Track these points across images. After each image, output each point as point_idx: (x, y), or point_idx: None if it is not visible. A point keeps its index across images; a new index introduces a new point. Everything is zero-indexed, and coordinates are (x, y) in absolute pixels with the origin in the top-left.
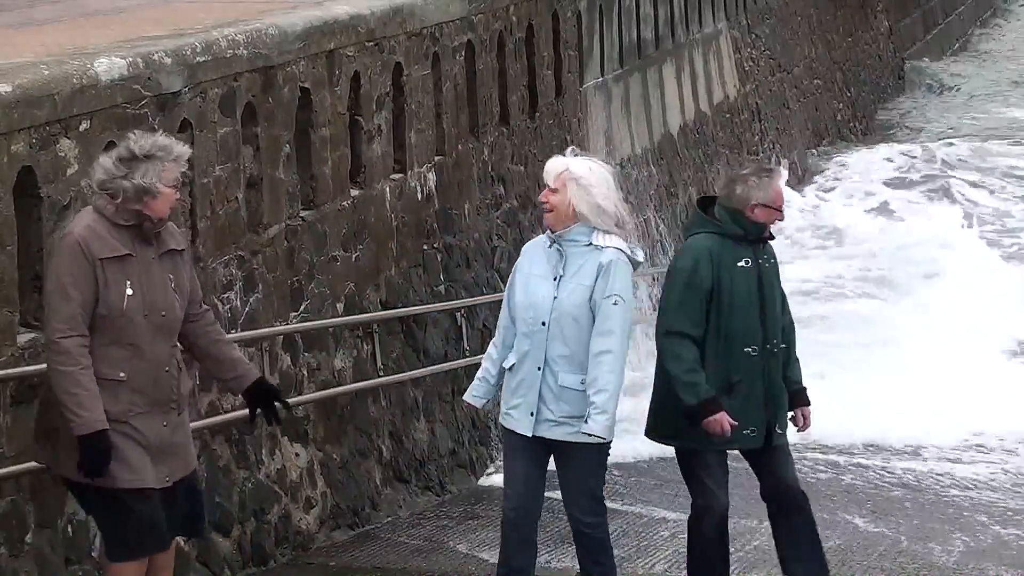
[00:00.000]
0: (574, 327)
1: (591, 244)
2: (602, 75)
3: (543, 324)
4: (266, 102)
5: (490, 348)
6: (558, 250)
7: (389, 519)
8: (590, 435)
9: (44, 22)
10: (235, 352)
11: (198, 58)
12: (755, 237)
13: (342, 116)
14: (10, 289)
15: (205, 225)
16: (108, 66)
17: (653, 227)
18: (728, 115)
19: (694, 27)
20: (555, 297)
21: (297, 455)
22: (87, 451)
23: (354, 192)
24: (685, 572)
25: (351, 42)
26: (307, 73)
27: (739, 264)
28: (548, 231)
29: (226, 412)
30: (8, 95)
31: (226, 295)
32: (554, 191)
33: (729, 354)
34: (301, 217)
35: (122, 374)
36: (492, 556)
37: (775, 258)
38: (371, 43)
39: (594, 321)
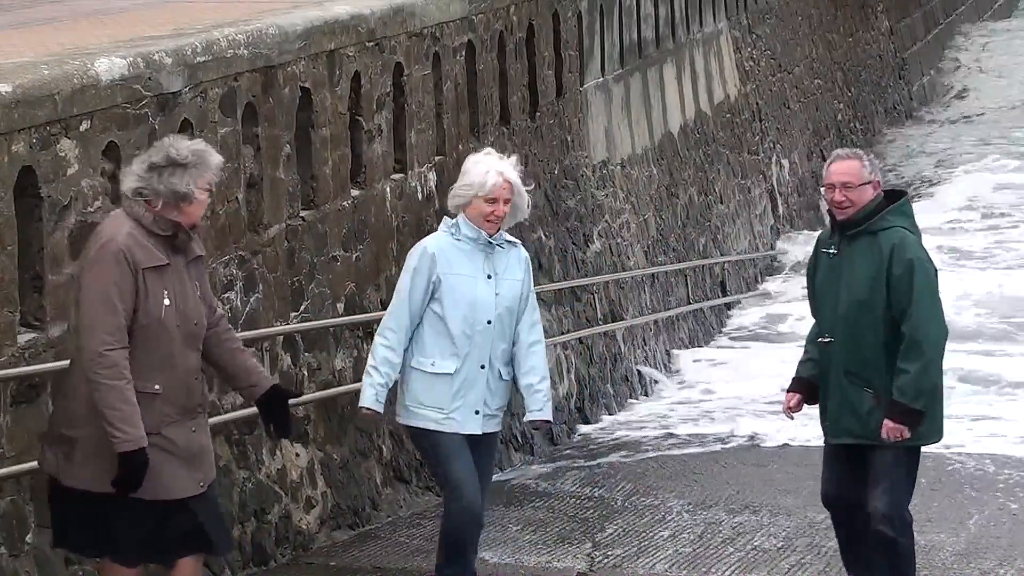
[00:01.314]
0: (511, 322)
1: (506, 241)
2: (603, 75)
3: (488, 323)
4: (266, 102)
5: (387, 352)
6: (484, 250)
7: (390, 519)
8: (544, 421)
9: (44, 22)
10: (251, 359)
11: (198, 58)
12: (838, 223)
13: (342, 116)
14: (10, 289)
15: (205, 225)
16: (108, 66)
17: (653, 227)
18: (729, 115)
19: (694, 27)
20: (497, 294)
21: (297, 455)
22: (128, 467)
23: (354, 192)
24: (685, 572)
25: (352, 42)
26: (307, 73)
27: (823, 251)
28: (479, 232)
29: (226, 412)
30: (8, 95)
31: (226, 295)
32: (509, 202)
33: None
34: (301, 217)
35: (157, 386)
36: (492, 556)
37: (883, 249)
38: (372, 43)
39: (516, 313)
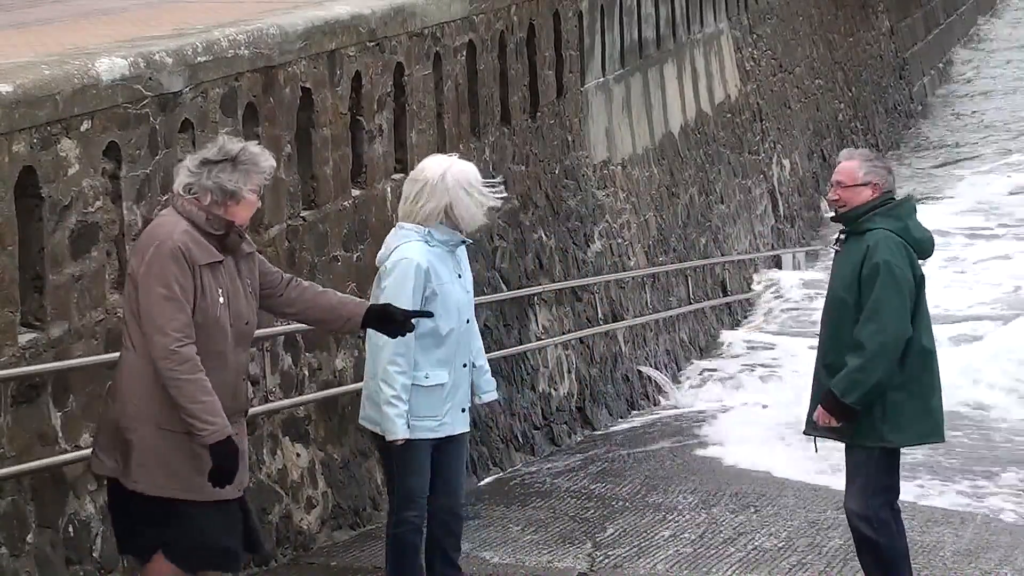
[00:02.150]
0: (473, 316)
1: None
2: (603, 75)
3: (468, 322)
4: (267, 102)
5: (404, 379)
6: (451, 251)
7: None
8: (494, 400)
9: (45, 22)
10: (336, 296)
11: (199, 58)
12: (842, 221)
13: (343, 116)
14: (11, 289)
15: None
16: (109, 66)
17: (654, 227)
18: (729, 115)
19: (695, 27)
20: (467, 292)
21: (298, 455)
22: (220, 458)
23: (355, 192)
24: (686, 572)
25: (352, 42)
26: (308, 73)
27: (833, 248)
28: (453, 233)
29: None
30: (9, 95)
31: None
32: None
33: None
34: (302, 217)
35: (209, 385)
36: (493, 555)
37: (863, 249)
38: (372, 43)
39: None
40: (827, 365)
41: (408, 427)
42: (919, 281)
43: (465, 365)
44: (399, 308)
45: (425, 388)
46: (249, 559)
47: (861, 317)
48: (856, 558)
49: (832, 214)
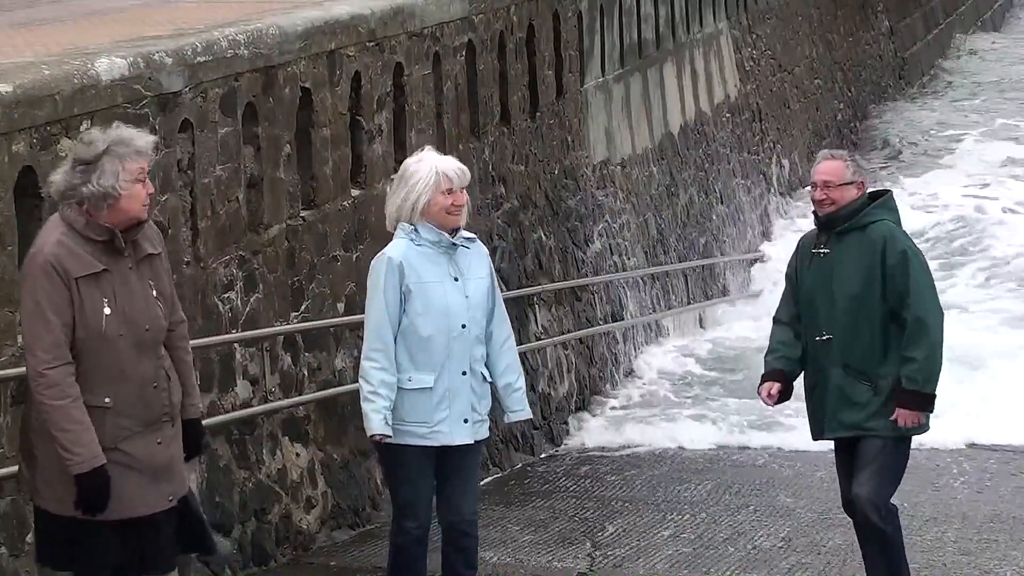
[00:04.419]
0: (483, 322)
1: (467, 239)
2: (603, 75)
3: (463, 327)
4: (267, 102)
5: (382, 375)
6: (447, 251)
7: (390, 519)
8: (524, 420)
9: (45, 22)
10: (194, 379)
11: (199, 58)
12: (823, 221)
13: (343, 116)
14: (10, 289)
15: (206, 225)
16: (109, 66)
17: (653, 227)
18: (729, 115)
19: (695, 27)
20: (467, 296)
21: (298, 455)
22: (86, 488)
23: (355, 192)
24: (686, 572)
25: (352, 42)
26: (308, 73)
27: (813, 252)
28: (441, 234)
29: (226, 412)
30: (9, 95)
31: (227, 295)
32: (464, 190)
33: (809, 343)
34: (302, 217)
35: (107, 399)
36: (493, 555)
37: (875, 243)
38: (372, 43)
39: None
40: (848, 367)
41: (386, 423)
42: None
43: (465, 373)
44: (201, 438)
45: (409, 391)
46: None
47: (905, 307)
48: (854, 556)
49: (818, 217)
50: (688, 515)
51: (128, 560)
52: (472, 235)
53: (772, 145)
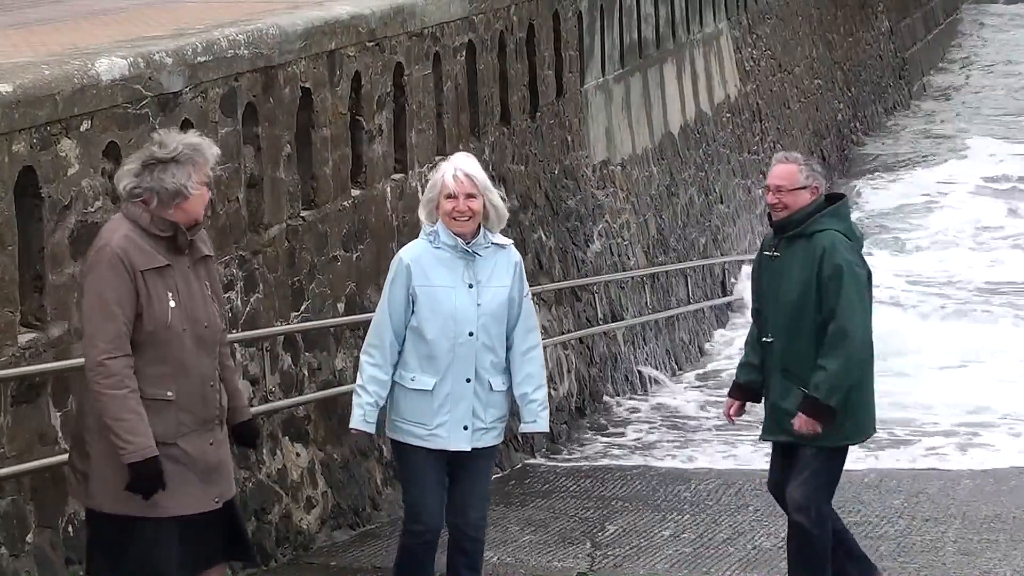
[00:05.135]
0: (497, 331)
1: (492, 244)
2: (603, 75)
3: (471, 334)
4: (267, 102)
5: (373, 370)
6: (464, 257)
7: (390, 519)
8: (538, 432)
9: (45, 22)
10: (238, 382)
11: (199, 58)
12: (775, 224)
13: (343, 116)
14: (10, 289)
15: (206, 225)
16: (109, 66)
17: (653, 227)
18: (729, 115)
19: (695, 27)
20: (478, 304)
21: (298, 455)
22: (138, 477)
23: (355, 192)
24: (686, 572)
25: (352, 42)
26: (308, 73)
27: (765, 254)
28: (456, 239)
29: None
30: (9, 95)
31: (227, 295)
32: (473, 197)
33: (758, 343)
34: (302, 217)
35: (170, 393)
36: (493, 555)
37: (816, 251)
38: (372, 43)
39: (508, 320)
40: (786, 371)
41: (366, 420)
42: (869, 279)
43: (470, 380)
44: (257, 437)
45: (408, 390)
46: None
47: (832, 319)
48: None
49: (771, 219)
50: (688, 515)
51: (181, 559)
52: (505, 242)
53: (772, 145)
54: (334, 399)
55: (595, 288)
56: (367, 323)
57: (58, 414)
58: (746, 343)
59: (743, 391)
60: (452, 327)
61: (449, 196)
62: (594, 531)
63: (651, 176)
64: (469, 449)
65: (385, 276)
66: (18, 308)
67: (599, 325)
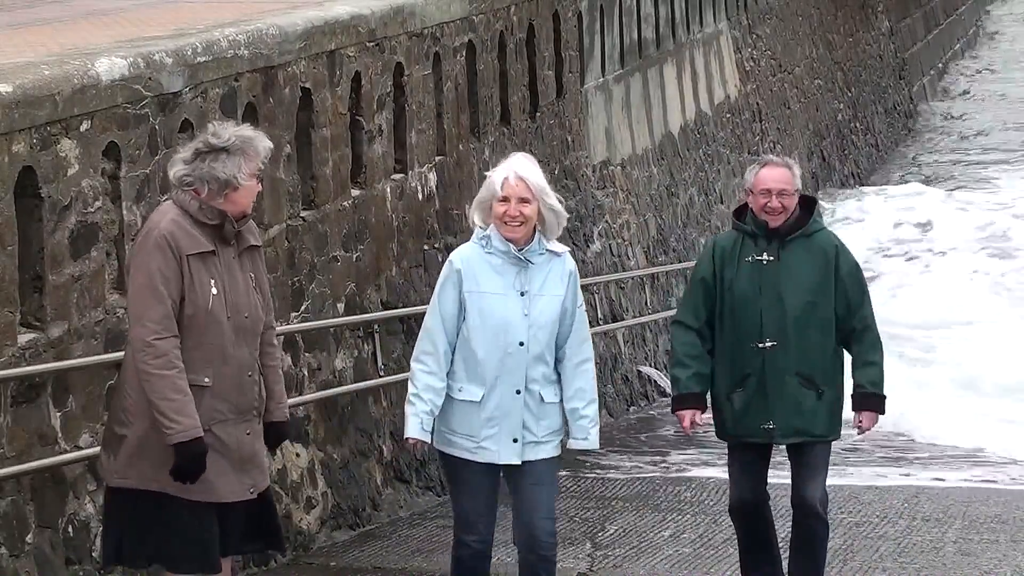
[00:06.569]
0: (548, 341)
1: (547, 251)
2: (603, 75)
3: (521, 344)
4: (267, 102)
5: (428, 378)
6: (517, 264)
7: (390, 519)
8: (588, 449)
9: (45, 22)
10: (280, 384)
11: (199, 58)
12: (760, 231)
13: (343, 116)
14: (10, 289)
15: None
16: (109, 66)
17: (653, 227)
18: (729, 115)
19: (695, 27)
20: (526, 314)
21: (298, 455)
22: (183, 458)
23: (355, 192)
24: (686, 572)
25: (352, 42)
26: (308, 73)
27: (747, 260)
28: (508, 244)
29: None
30: (9, 95)
31: None
32: (527, 201)
33: (738, 348)
34: (302, 217)
35: (207, 379)
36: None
37: (825, 251)
38: (372, 43)
39: (560, 331)
40: (799, 375)
41: (423, 429)
42: None
43: (519, 392)
44: (283, 439)
45: (457, 401)
46: (250, 558)
47: (855, 315)
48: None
49: (753, 223)
50: (688, 515)
51: (206, 546)
52: (560, 249)
53: (772, 145)
54: (334, 399)
55: (595, 288)
56: (367, 323)
57: (58, 414)
58: (686, 355)
59: (700, 400)
60: (502, 337)
61: (503, 200)
62: (594, 531)
63: (651, 176)
64: (519, 463)
65: (385, 276)
66: (18, 308)
67: (599, 325)
